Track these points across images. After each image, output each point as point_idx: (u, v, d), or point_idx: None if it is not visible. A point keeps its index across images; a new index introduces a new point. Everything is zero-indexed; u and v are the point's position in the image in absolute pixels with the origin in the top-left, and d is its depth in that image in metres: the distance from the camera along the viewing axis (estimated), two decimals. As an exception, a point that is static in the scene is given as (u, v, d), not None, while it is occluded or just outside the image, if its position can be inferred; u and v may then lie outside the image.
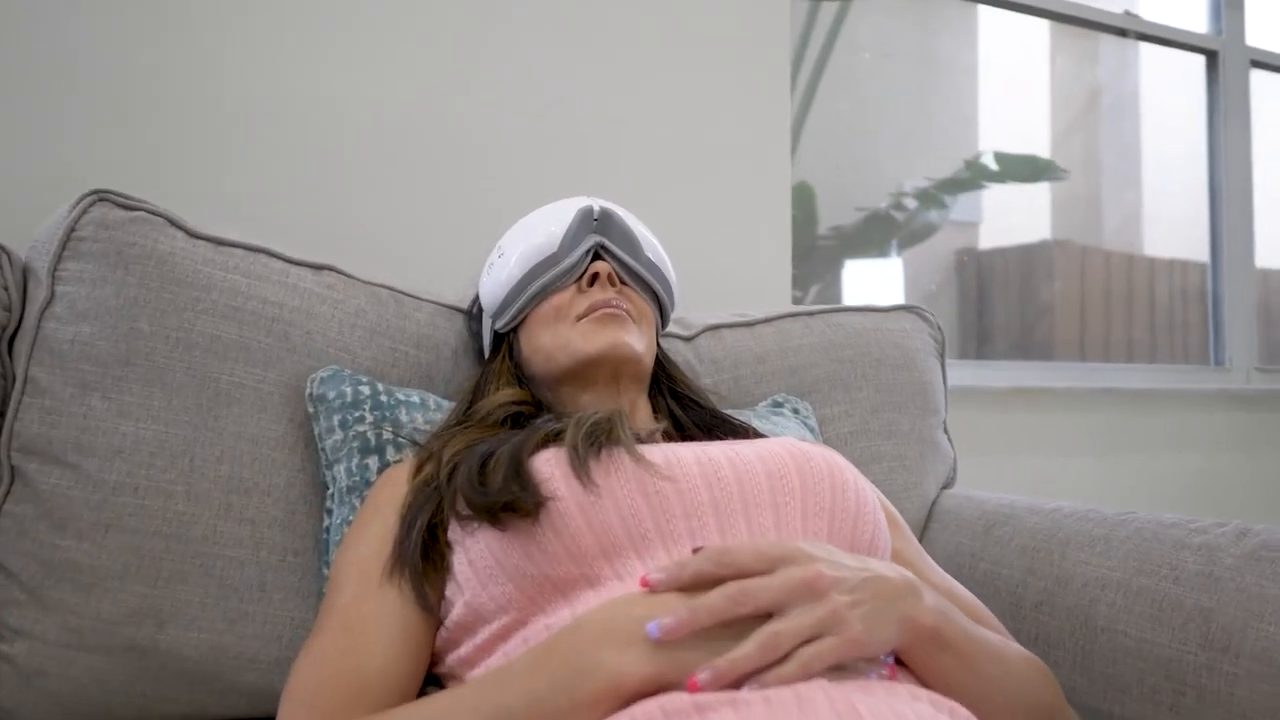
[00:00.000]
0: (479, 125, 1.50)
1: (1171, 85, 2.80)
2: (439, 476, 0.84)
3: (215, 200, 1.32)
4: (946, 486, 1.37)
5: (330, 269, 1.11)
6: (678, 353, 1.26)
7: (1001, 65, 2.78)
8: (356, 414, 0.99)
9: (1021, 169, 2.86)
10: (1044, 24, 2.57)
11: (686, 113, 1.66)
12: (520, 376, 1.02)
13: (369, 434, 0.98)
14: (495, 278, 1.03)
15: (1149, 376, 2.45)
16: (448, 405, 1.06)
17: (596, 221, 1.02)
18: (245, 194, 1.36)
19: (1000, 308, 2.77)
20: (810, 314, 1.38)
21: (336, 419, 0.99)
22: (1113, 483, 2.22)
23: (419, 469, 0.88)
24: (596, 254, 1.01)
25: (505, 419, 0.94)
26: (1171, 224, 2.92)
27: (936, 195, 2.77)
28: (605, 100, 1.60)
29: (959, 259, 2.79)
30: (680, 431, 1.05)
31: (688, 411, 1.07)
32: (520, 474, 0.75)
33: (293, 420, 1.01)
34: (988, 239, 2.89)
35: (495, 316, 1.04)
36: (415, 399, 1.04)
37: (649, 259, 1.04)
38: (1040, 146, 2.87)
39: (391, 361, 1.10)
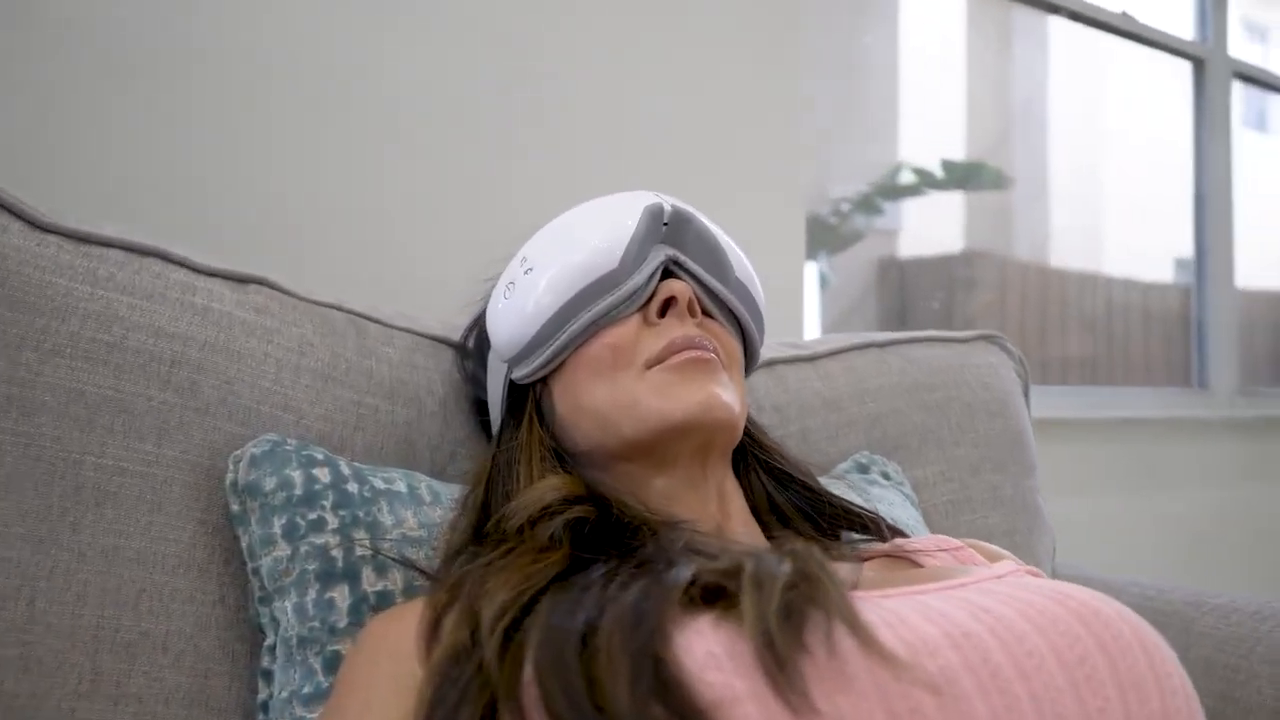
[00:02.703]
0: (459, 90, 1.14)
1: (1128, 98, 2.75)
2: (481, 648, 0.49)
3: (84, 180, 0.92)
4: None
5: (260, 282, 0.74)
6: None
7: (923, 70, 2.72)
8: (312, 515, 0.63)
9: (967, 176, 2.72)
10: (962, 27, 2.49)
11: (703, 114, 1.33)
12: (558, 451, 0.68)
13: (333, 550, 0.62)
14: (517, 306, 0.68)
15: (1129, 400, 2.28)
16: (446, 494, 0.70)
17: (666, 226, 0.68)
18: (128, 172, 0.95)
19: (925, 319, 2.60)
20: (882, 345, 1.08)
21: (279, 523, 0.62)
22: (1093, 518, 2.01)
23: (434, 624, 0.52)
24: (667, 271, 0.68)
25: (566, 532, 0.59)
26: (1096, 238, 2.89)
27: (874, 200, 2.63)
28: (606, 92, 1.25)
29: (881, 267, 2.62)
30: (784, 526, 0.72)
31: (787, 494, 0.74)
32: (669, 689, 0.41)
33: (204, 525, 0.64)
34: (906, 248, 2.76)
35: (516, 361, 0.69)
36: (400, 485, 0.68)
37: (739, 281, 0.71)
38: (957, 155, 2.77)
39: (355, 423, 0.73)
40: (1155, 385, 2.54)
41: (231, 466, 0.64)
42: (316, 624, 0.60)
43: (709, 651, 0.42)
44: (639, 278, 0.66)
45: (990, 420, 1.06)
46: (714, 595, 0.47)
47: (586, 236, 0.67)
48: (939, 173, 2.69)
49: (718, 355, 0.66)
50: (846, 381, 1.02)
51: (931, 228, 2.84)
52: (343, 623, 0.60)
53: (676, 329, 0.65)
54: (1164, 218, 2.86)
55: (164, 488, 0.63)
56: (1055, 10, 2.15)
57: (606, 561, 0.54)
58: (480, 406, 0.82)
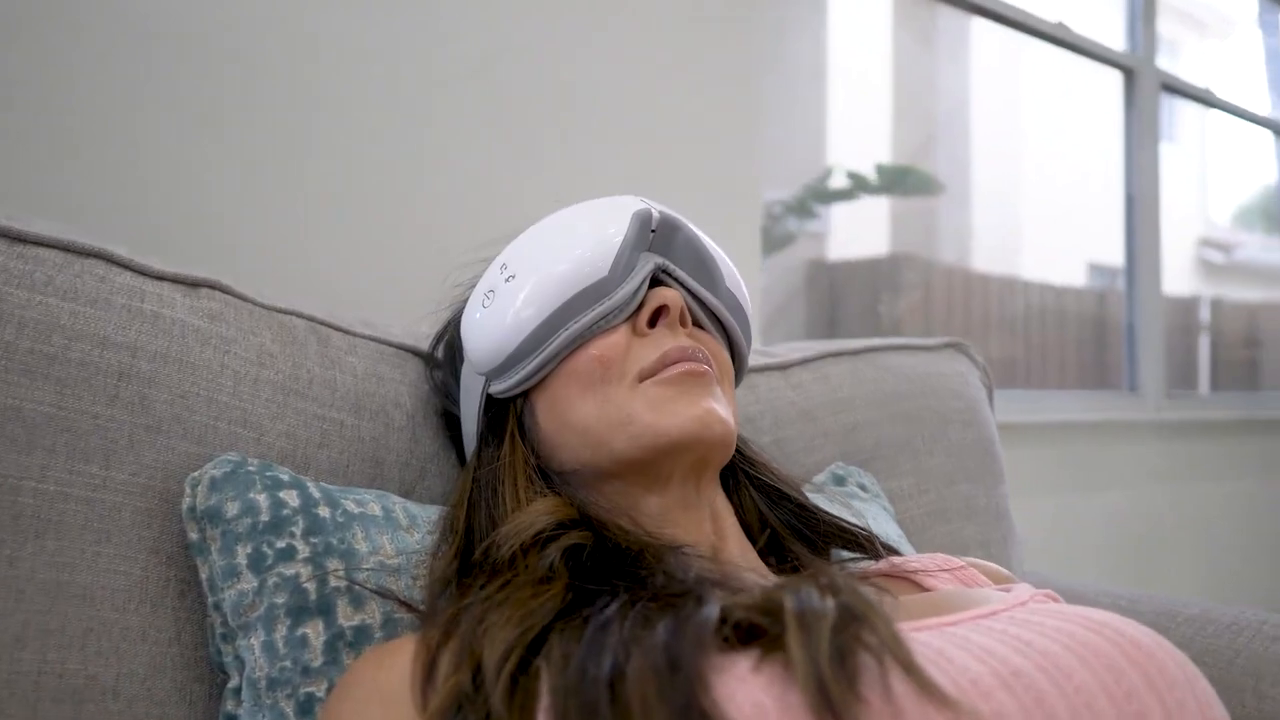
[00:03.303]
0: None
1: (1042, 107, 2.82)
2: (486, 692, 0.45)
3: (10, 174, 0.84)
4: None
5: (213, 286, 0.68)
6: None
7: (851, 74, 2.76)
8: (280, 543, 0.57)
9: (899, 180, 2.75)
10: (889, 31, 2.52)
11: (659, 115, 1.30)
12: (543, 470, 0.64)
13: (304, 581, 0.56)
14: (497, 315, 0.63)
15: (1065, 404, 2.32)
16: (423, 517, 0.65)
17: (654, 233, 0.65)
18: (68, 169, 0.88)
19: (854, 321, 2.63)
20: (854, 353, 1.05)
21: (244, 552, 0.57)
22: (1031, 521, 2.04)
23: (430, 666, 0.48)
24: (654, 280, 0.64)
25: (563, 560, 0.55)
26: (1009, 240, 2.95)
27: (807, 203, 2.65)
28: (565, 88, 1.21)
29: (810, 270, 2.64)
30: (777, 545, 0.70)
31: (777, 512, 0.71)
32: None
33: (158, 556, 0.58)
34: (834, 251, 2.79)
35: (495, 374, 0.65)
36: (375, 508, 0.63)
37: (729, 290, 0.68)
38: (885, 160, 2.81)
39: (319, 440, 0.68)
40: (1069, 388, 2.60)
41: (189, 490, 0.58)
42: (288, 664, 0.54)
43: (756, 702, 0.39)
44: (630, 285, 0.63)
45: (963, 430, 1.05)
46: (749, 634, 0.43)
47: (574, 243, 0.63)
48: (873, 176, 2.71)
49: (711, 368, 0.63)
50: (819, 391, 1.00)
51: (858, 231, 2.87)
52: (317, 662, 0.55)
53: (668, 340, 0.62)
54: (1079, 223, 2.93)
55: (112, 514, 0.57)
56: (981, 12, 2.16)
57: (612, 593, 0.50)
58: (449, 420, 0.77)
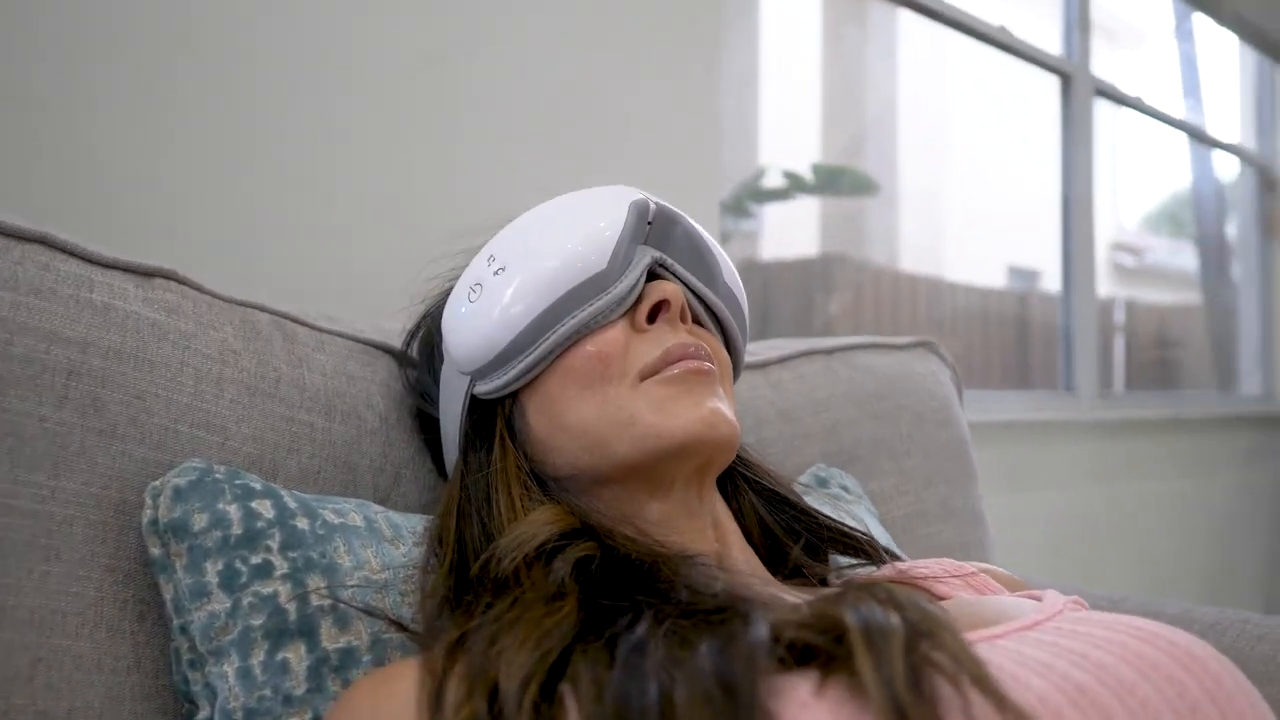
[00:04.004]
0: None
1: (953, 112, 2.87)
2: None
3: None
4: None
5: (167, 276, 0.62)
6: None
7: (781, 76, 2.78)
8: (256, 559, 0.52)
9: (835, 180, 2.77)
10: (819, 32, 2.54)
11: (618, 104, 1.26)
12: (537, 476, 0.60)
13: (284, 600, 0.51)
14: (485, 311, 0.59)
15: (1005, 403, 2.35)
16: (407, 527, 0.60)
17: (650, 226, 0.61)
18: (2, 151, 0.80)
19: (787, 322, 2.64)
20: (828, 352, 1.03)
21: (214, 569, 0.51)
22: None
23: (436, 695, 0.43)
24: (651, 274, 0.60)
25: (572, 575, 0.50)
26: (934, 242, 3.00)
27: (744, 203, 2.66)
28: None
29: (743, 269, 2.66)
30: (777, 552, 0.67)
31: (777, 517, 0.68)
32: None
33: (113, 574, 0.52)
34: (766, 250, 2.81)
35: (483, 374, 0.60)
36: (356, 518, 0.58)
37: (727, 287, 0.65)
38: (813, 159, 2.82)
39: (289, 444, 0.62)
40: (993, 389, 2.63)
41: (149, 501, 0.52)
42: (267, 692, 0.49)
43: None
44: (629, 279, 0.59)
45: (938, 429, 1.03)
46: (803, 655, 0.40)
47: (569, 233, 0.59)
48: (809, 176, 2.71)
49: (714, 366, 0.59)
50: (798, 391, 0.97)
51: (789, 231, 2.88)
52: (300, 689, 0.49)
53: (670, 336, 0.59)
54: (1000, 226, 2.98)
55: (62, 529, 0.51)
56: (917, 8, 2.16)
57: (632, 609, 0.46)
58: (425, 423, 0.72)
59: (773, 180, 2.66)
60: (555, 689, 0.42)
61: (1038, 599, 0.54)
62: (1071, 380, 2.54)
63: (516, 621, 0.45)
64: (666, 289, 0.59)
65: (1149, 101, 2.78)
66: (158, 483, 0.53)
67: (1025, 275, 3.26)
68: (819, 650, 0.39)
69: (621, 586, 0.50)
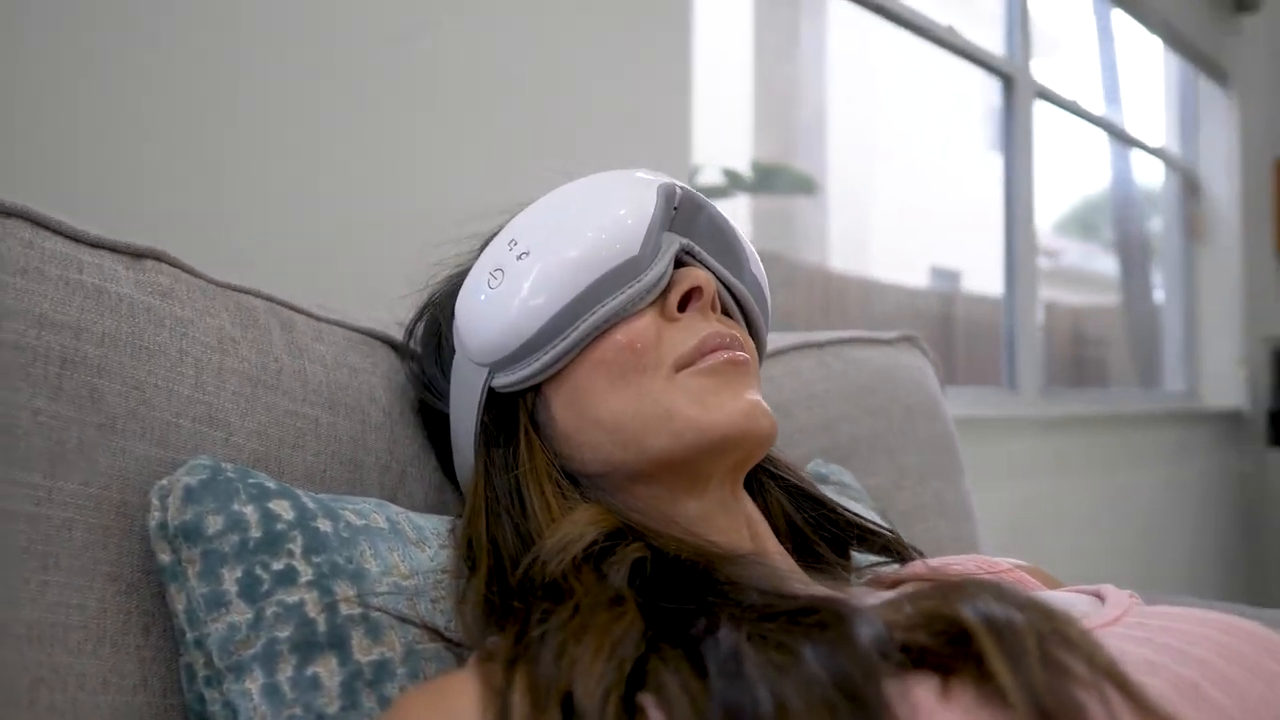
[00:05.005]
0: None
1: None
2: None
3: None
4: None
5: (159, 257, 0.57)
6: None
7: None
8: (278, 565, 0.47)
9: (775, 179, 2.78)
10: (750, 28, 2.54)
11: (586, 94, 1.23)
12: (567, 473, 0.56)
13: (311, 610, 0.47)
14: (507, 298, 0.55)
15: (950, 400, 2.38)
16: (429, 528, 0.56)
17: (676, 211, 0.59)
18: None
19: None
20: (819, 345, 1.02)
21: (233, 576, 0.47)
22: None
23: (502, 714, 0.40)
24: (678, 262, 0.58)
25: (632, 577, 0.47)
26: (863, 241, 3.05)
27: None
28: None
29: None
30: (805, 549, 0.65)
31: (804, 513, 0.66)
32: None
33: (117, 583, 0.47)
34: None
35: (503, 365, 0.56)
36: (380, 520, 0.53)
37: (754, 276, 0.63)
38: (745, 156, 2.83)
39: (294, 440, 0.58)
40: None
41: (156, 502, 0.48)
42: (298, 710, 0.45)
43: None
44: (659, 267, 0.56)
45: (929, 424, 1.03)
46: (918, 658, 0.37)
47: (598, 218, 0.56)
48: (747, 173, 2.70)
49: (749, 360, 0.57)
50: (793, 386, 0.95)
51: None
52: (333, 707, 0.45)
53: (703, 325, 0.56)
54: (923, 226, 3.02)
55: (60, 534, 0.46)
56: (866, 5, 2.16)
57: (705, 613, 0.43)
58: (429, 417, 0.68)
59: (709, 178, 2.65)
60: (633, 699, 0.39)
61: (1093, 594, 0.53)
62: (1014, 378, 2.60)
63: (583, 629, 0.42)
64: (699, 276, 0.57)
65: (1080, 105, 2.86)
66: (165, 482, 0.48)
67: (947, 275, 3.31)
68: (930, 652, 0.37)
69: (678, 589, 0.47)
